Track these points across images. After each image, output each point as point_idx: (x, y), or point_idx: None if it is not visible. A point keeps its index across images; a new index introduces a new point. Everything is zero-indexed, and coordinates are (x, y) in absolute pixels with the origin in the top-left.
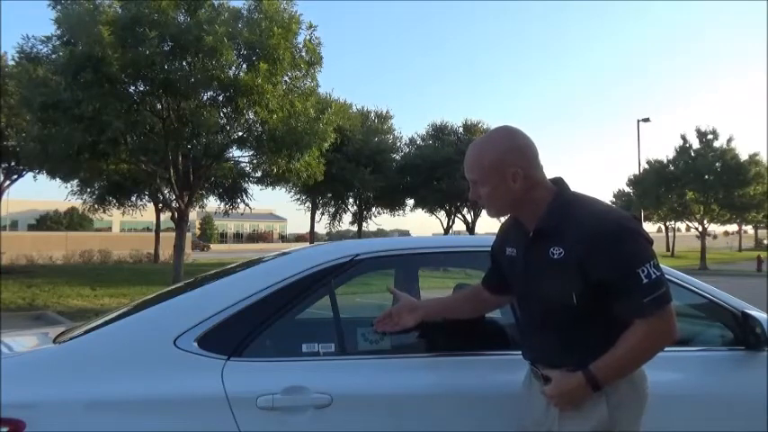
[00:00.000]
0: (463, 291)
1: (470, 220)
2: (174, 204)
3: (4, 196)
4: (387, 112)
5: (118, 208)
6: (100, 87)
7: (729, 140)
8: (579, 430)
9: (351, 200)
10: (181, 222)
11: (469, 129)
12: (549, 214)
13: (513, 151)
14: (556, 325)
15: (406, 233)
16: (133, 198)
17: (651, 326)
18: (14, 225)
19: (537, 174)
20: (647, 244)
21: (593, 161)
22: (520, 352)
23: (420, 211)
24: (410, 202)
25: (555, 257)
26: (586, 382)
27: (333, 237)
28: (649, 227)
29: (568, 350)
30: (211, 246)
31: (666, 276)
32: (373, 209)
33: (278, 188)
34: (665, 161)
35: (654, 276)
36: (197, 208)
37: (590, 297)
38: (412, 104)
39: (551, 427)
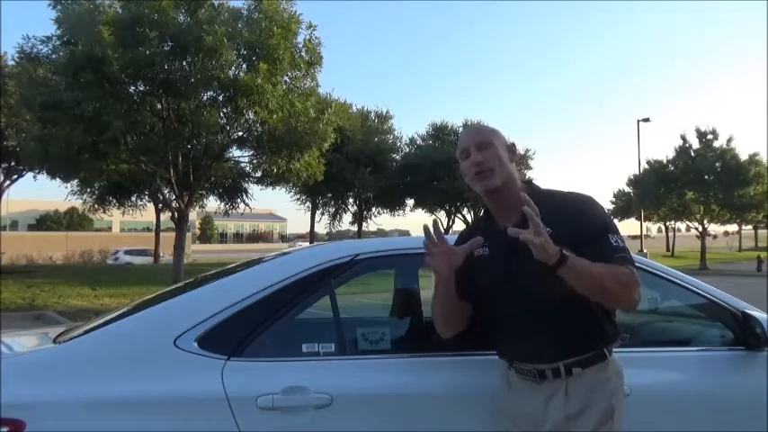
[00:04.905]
0: None
1: (470, 220)
2: (174, 204)
3: (4, 196)
4: (387, 112)
5: (118, 208)
6: (100, 87)
7: (729, 140)
8: (589, 429)
9: (351, 200)
10: (181, 222)
11: None
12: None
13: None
14: (545, 317)
15: (406, 233)
16: (133, 198)
17: (624, 270)
18: (14, 225)
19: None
20: (612, 219)
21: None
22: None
23: (420, 211)
24: (410, 202)
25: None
26: (559, 252)
27: (333, 237)
28: (649, 227)
29: (560, 343)
30: (211, 246)
31: (666, 276)
32: (373, 209)
33: (278, 188)
34: (665, 161)
35: (621, 244)
36: (197, 208)
37: None
38: (412, 104)
39: (556, 424)
